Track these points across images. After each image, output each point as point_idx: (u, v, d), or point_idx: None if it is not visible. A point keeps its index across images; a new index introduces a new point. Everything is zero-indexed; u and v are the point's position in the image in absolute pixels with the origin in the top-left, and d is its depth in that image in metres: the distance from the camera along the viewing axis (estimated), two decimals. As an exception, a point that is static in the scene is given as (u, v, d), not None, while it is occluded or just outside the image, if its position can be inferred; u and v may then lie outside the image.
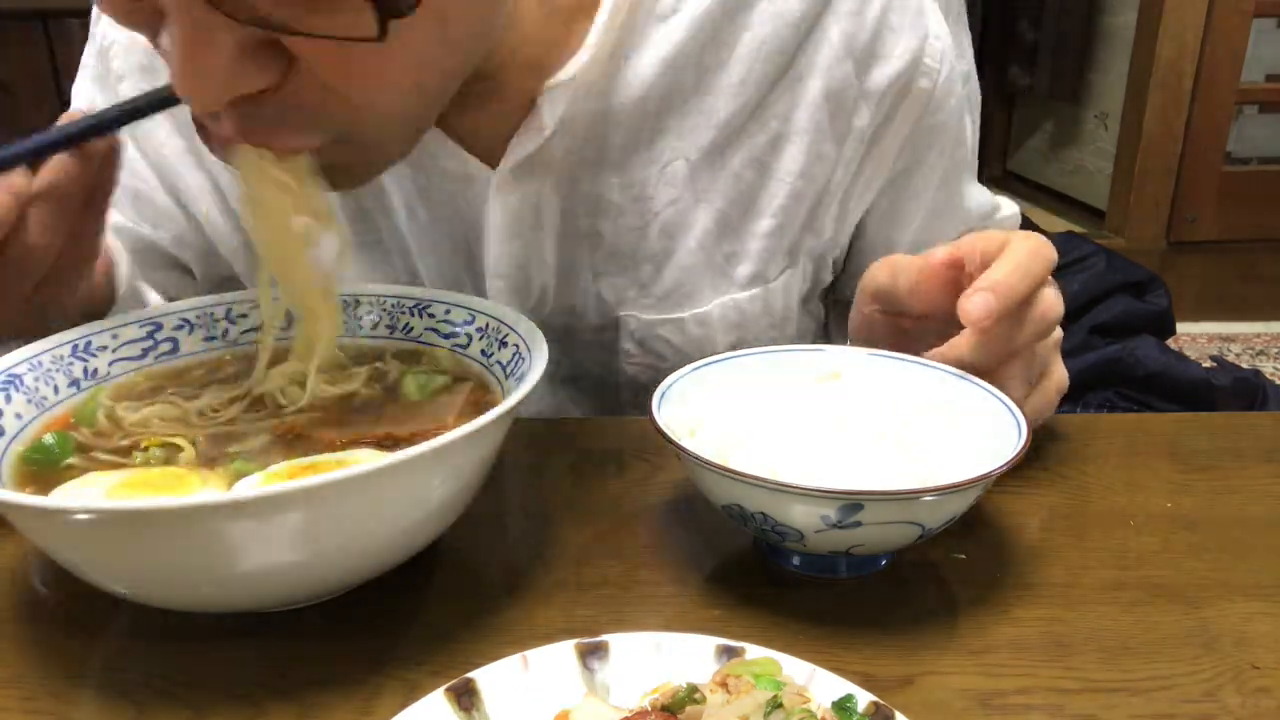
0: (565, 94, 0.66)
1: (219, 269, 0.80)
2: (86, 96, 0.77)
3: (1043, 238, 0.58)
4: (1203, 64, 2.93)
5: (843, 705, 0.40)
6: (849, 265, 0.84)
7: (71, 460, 0.52)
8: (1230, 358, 2.77)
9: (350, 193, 0.70)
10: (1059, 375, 0.63)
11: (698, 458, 0.49)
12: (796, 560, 0.54)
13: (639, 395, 0.78)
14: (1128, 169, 3.11)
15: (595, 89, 0.67)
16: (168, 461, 0.53)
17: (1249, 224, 3.10)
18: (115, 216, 0.77)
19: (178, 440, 0.54)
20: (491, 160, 0.69)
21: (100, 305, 0.66)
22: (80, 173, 0.55)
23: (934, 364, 0.59)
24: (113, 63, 0.75)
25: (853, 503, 0.47)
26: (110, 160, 0.57)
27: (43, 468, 0.52)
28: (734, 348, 0.67)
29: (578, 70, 0.65)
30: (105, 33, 0.76)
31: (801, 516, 0.48)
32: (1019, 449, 0.50)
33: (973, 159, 0.84)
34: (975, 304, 0.54)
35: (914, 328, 0.64)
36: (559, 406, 0.80)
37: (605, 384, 0.79)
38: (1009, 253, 0.56)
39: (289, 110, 0.48)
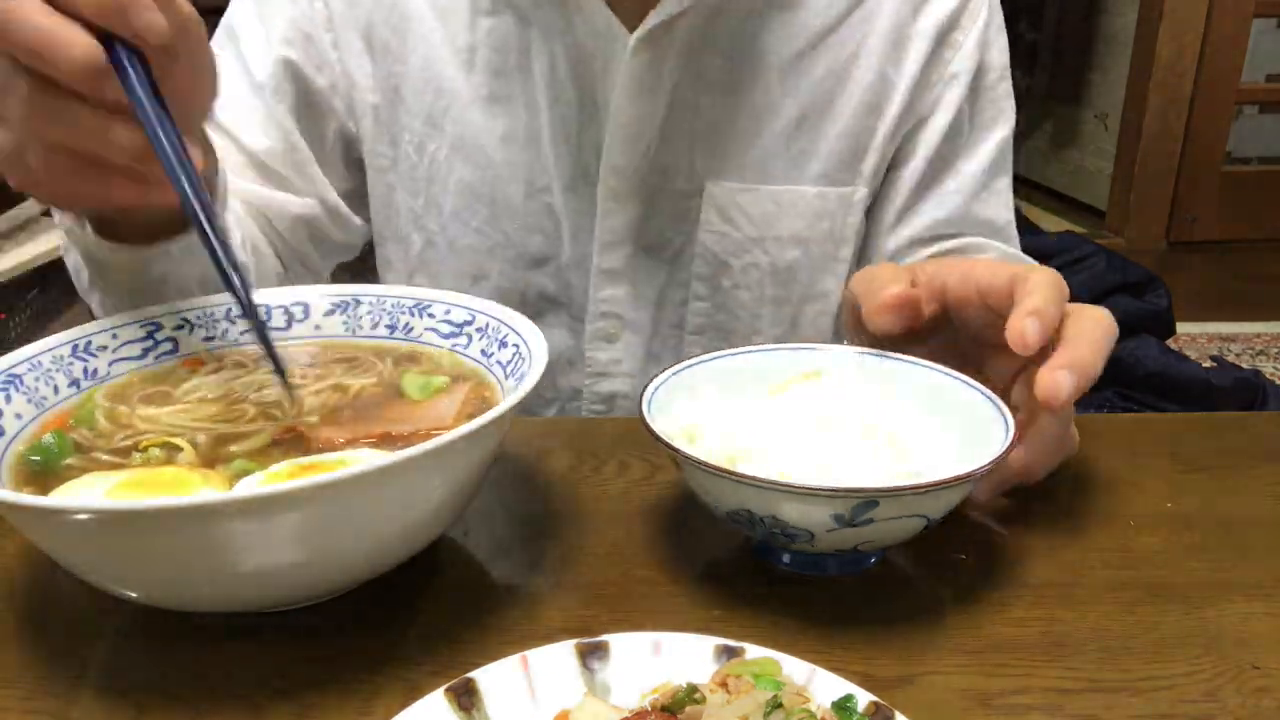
0: None
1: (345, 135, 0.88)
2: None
3: (1062, 281, 0.58)
4: (1203, 64, 2.93)
5: (843, 705, 0.40)
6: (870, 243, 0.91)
7: (70, 460, 0.52)
8: (1230, 358, 2.77)
9: (498, 50, 0.82)
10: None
11: (706, 465, 0.49)
12: (787, 558, 0.55)
13: (708, 269, 0.87)
14: (1128, 169, 3.11)
15: None
16: (167, 462, 0.53)
17: (1249, 224, 3.10)
18: (290, 53, 0.84)
19: (177, 440, 0.54)
20: (630, 24, 0.78)
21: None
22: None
23: (915, 360, 0.59)
24: None
25: (867, 500, 0.47)
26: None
27: (43, 467, 0.52)
28: (796, 236, 0.86)
29: None
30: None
31: (814, 517, 0.48)
32: (1009, 437, 0.51)
33: (1009, 164, 0.91)
34: (1060, 382, 0.53)
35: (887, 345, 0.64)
36: (638, 271, 0.87)
37: (682, 255, 0.87)
38: (1076, 325, 0.56)
39: None
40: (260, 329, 0.55)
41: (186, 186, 0.52)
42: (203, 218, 0.53)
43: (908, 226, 0.88)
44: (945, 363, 0.59)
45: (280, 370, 0.56)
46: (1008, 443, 0.50)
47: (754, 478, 0.47)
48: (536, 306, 0.88)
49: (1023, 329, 0.54)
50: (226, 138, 0.84)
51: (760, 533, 0.51)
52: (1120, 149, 3.16)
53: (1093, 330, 0.56)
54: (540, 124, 0.84)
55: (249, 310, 0.55)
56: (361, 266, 0.99)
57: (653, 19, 0.77)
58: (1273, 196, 3.08)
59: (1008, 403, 0.55)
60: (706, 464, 0.49)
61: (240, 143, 0.84)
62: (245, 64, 0.84)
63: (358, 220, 0.92)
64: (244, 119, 0.84)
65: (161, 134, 0.51)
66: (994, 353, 0.60)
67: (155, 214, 0.62)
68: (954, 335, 0.62)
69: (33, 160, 0.53)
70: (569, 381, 0.92)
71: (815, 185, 0.86)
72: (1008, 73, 0.89)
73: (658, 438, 0.51)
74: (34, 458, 0.52)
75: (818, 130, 0.85)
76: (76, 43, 0.47)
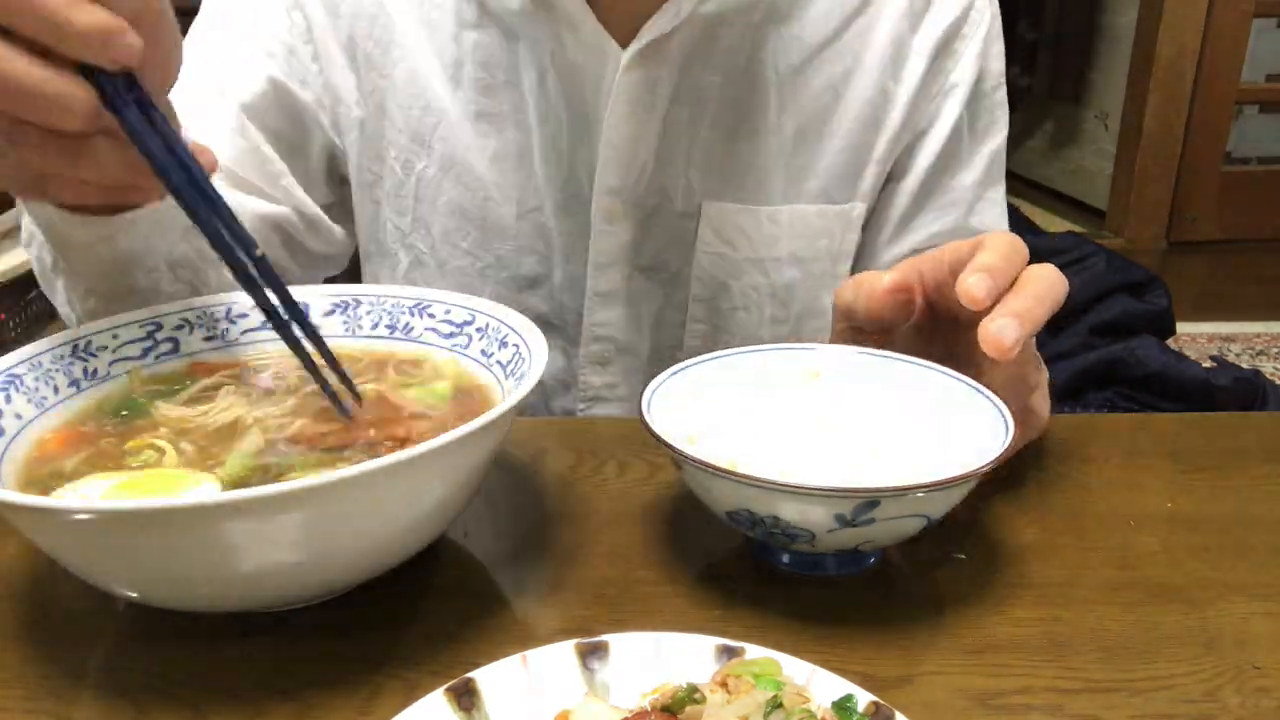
0: None
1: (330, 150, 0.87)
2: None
3: (1020, 242, 0.58)
4: (1203, 64, 2.93)
5: (843, 705, 0.40)
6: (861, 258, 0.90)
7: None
8: (1230, 358, 2.77)
9: (484, 66, 0.80)
10: (1043, 365, 0.64)
11: (707, 465, 0.49)
12: (787, 558, 0.55)
13: (706, 291, 0.86)
14: (1128, 169, 3.11)
15: None
16: (156, 464, 0.53)
17: (1249, 224, 3.10)
18: (275, 71, 0.82)
19: (160, 443, 0.54)
20: (622, 40, 0.77)
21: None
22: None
23: (914, 360, 0.59)
24: None
25: (868, 500, 0.47)
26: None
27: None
28: (795, 256, 0.85)
29: None
30: None
31: (815, 517, 0.48)
32: (1008, 435, 0.51)
33: (1002, 171, 0.91)
34: (1002, 329, 0.52)
35: (877, 343, 0.64)
36: (633, 293, 0.86)
37: (679, 277, 0.86)
38: (1025, 278, 0.56)
39: None
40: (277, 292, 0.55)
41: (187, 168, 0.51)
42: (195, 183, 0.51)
43: (906, 240, 0.87)
44: (937, 359, 0.59)
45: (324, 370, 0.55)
46: (1007, 442, 0.50)
47: (754, 478, 0.47)
48: None
49: (970, 285, 0.53)
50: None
51: (760, 533, 0.51)
52: (1120, 149, 3.16)
53: (1036, 282, 0.55)
54: (531, 143, 0.82)
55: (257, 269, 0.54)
56: (351, 280, 0.98)
57: (646, 35, 0.75)
58: (1273, 196, 3.08)
59: (983, 380, 0.56)
60: (707, 464, 0.49)
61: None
62: (226, 79, 0.82)
63: (338, 231, 0.90)
64: (213, 127, 0.80)
65: (161, 142, 0.50)
66: (972, 330, 0.58)
67: None
68: (940, 328, 0.62)
69: (52, 189, 0.53)
70: (562, 404, 0.90)
71: (814, 203, 0.84)
72: (1004, 80, 0.89)
73: (658, 438, 0.51)
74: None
75: (816, 147, 0.83)
76: (74, 94, 0.46)
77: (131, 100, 0.49)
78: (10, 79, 0.45)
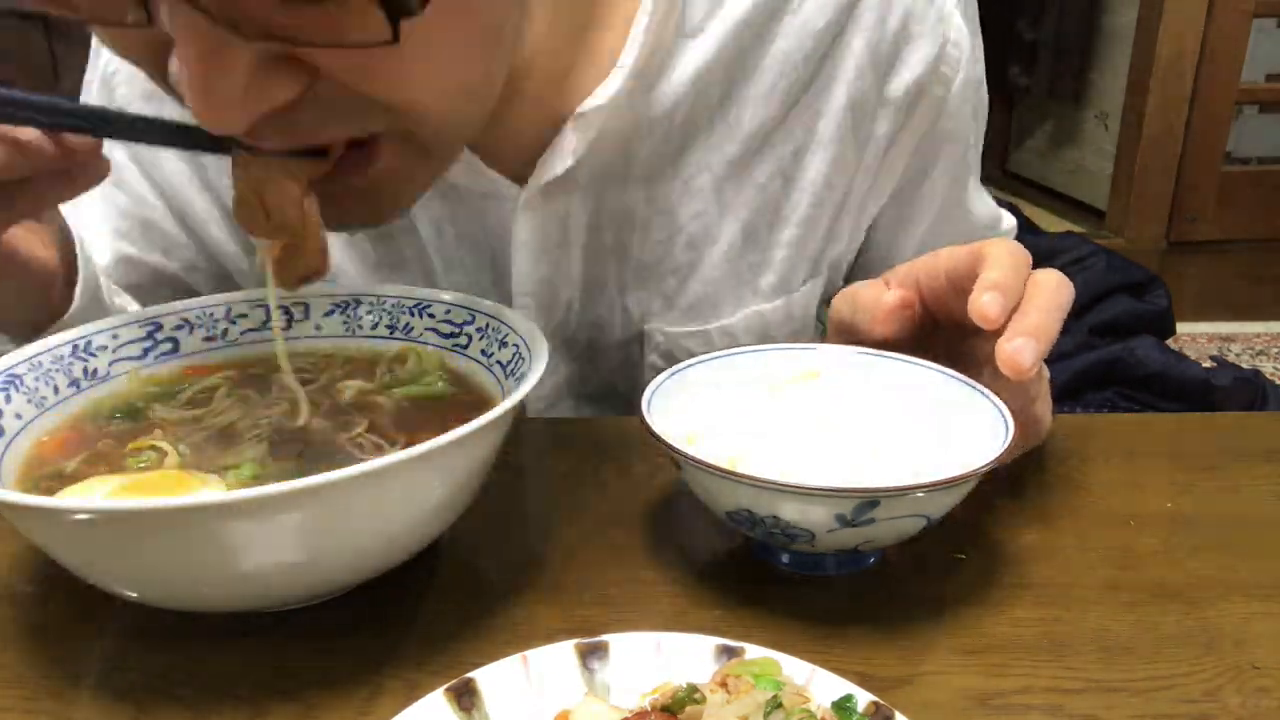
0: (597, 119, 0.66)
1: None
2: None
3: (1022, 250, 0.57)
4: (1203, 64, 2.93)
5: (842, 705, 0.40)
6: (852, 273, 0.85)
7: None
8: (1230, 358, 2.77)
9: None
10: (1046, 370, 0.63)
11: (707, 465, 0.49)
12: (786, 558, 0.55)
13: None
14: (1128, 169, 3.11)
15: (624, 107, 0.67)
16: (156, 465, 0.53)
17: (1249, 224, 3.10)
18: (126, 248, 0.77)
19: (162, 444, 0.54)
20: (518, 177, 0.69)
21: (40, 315, 0.63)
22: (48, 158, 0.50)
23: (914, 360, 0.59)
24: (117, 91, 0.74)
25: (868, 500, 0.47)
26: (87, 164, 0.53)
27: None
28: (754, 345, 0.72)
29: (608, 97, 0.65)
30: (109, 60, 0.75)
31: (816, 517, 0.48)
32: (1008, 435, 0.51)
33: (977, 164, 0.85)
34: (1019, 349, 0.51)
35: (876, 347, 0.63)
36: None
37: (629, 401, 0.77)
38: (1031, 291, 0.55)
39: (325, 110, 0.46)
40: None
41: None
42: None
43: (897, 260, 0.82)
44: (936, 359, 0.59)
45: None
46: (1007, 441, 0.50)
47: (754, 478, 0.47)
48: None
49: (983, 304, 0.52)
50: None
51: (760, 533, 0.51)
52: (1120, 149, 3.16)
53: (1047, 296, 0.54)
54: (441, 288, 0.70)
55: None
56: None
57: (542, 173, 0.67)
58: (1273, 196, 3.08)
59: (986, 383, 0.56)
60: (707, 464, 0.49)
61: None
62: (90, 237, 0.74)
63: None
64: (93, 247, 0.75)
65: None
66: (976, 336, 0.58)
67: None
68: (939, 334, 0.62)
69: None
70: None
71: (770, 301, 0.77)
72: (983, 128, 0.83)
73: (658, 438, 0.51)
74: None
75: (768, 241, 0.75)
76: None
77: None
78: None
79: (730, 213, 0.73)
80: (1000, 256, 0.55)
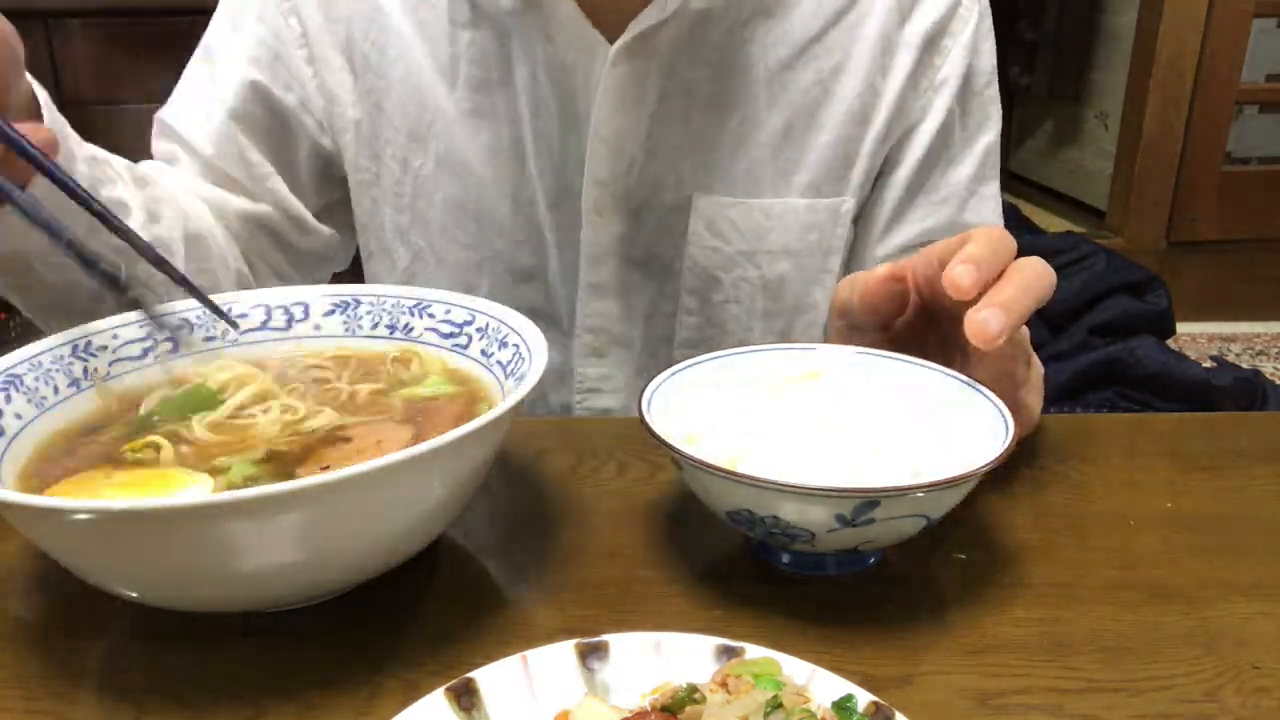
0: None
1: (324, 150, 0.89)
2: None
3: (1007, 235, 0.58)
4: (1203, 64, 2.93)
5: (843, 705, 0.40)
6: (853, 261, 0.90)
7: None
8: (1230, 358, 2.77)
9: (478, 64, 0.82)
10: (1037, 361, 0.64)
11: (707, 465, 0.49)
12: (787, 558, 0.55)
13: (698, 283, 0.87)
14: (1128, 169, 3.11)
15: None
16: (153, 462, 0.53)
17: (1249, 224, 3.10)
18: (255, 73, 0.84)
19: (157, 439, 0.54)
20: (610, 36, 0.78)
21: None
22: None
23: (914, 360, 0.59)
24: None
25: (868, 500, 0.47)
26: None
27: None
28: (786, 249, 0.85)
29: None
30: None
31: (816, 517, 0.48)
32: (1009, 435, 0.51)
33: (996, 168, 0.90)
34: (986, 319, 0.52)
35: (874, 343, 0.64)
36: (626, 285, 0.87)
37: (671, 269, 0.87)
38: (1013, 271, 0.55)
39: None
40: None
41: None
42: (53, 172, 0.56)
43: (897, 234, 0.88)
44: (932, 354, 0.59)
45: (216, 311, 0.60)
46: (1008, 441, 0.50)
47: (754, 478, 0.47)
48: None
49: (955, 274, 0.53)
50: (179, 143, 0.85)
51: (760, 533, 0.51)
52: (1120, 149, 3.16)
53: (1024, 275, 0.55)
54: (524, 137, 0.83)
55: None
56: (354, 280, 0.98)
57: (633, 29, 0.76)
58: (1273, 196, 3.08)
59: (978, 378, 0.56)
60: (707, 465, 0.49)
61: (194, 148, 0.85)
62: (216, 82, 0.85)
63: (327, 232, 0.92)
64: (199, 128, 0.85)
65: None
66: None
67: None
68: (935, 324, 0.62)
69: None
70: (560, 398, 0.91)
71: (804, 197, 0.85)
72: (995, 77, 0.89)
73: (658, 438, 0.51)
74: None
75: (804, 141, 0.84)
76: None
77: None
78: None
79: (775, 107, 0.83)
80: (981, 235, 0.56)
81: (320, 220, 0.92)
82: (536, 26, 0.79)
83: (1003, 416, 0.53)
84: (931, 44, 0.84)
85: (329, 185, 0.91)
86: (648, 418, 0.53)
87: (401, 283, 0.89)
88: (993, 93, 0.89)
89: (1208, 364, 2.06)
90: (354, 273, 0.97)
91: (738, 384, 0.60)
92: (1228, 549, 0.56)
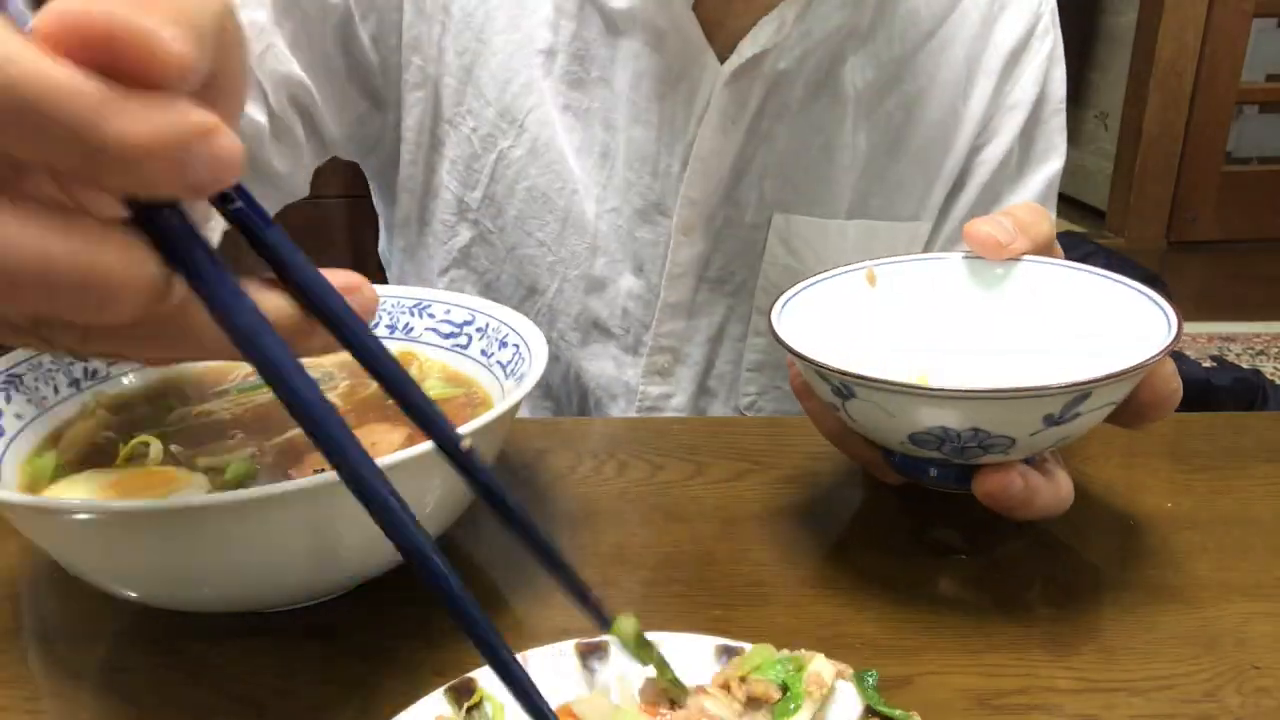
0: (796, 6, 0.75)
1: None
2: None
3: (1043, 210, 0.60)
4: (1203, 64, 2.93)
5: (861, 677, 0.40)
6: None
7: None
8: (1230, 358, 2.77)
9: (578, 59, 0.79)
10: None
11: (910, 387, 0.46)
12: (934, 472, 0.53)
13: (771, 303, 0.82)
14: (1128, 169, 3.11)
15: (805, 10, 0.77)
16: (144, 460, 0.53)
17: (1249, 224, 3.10)
18: None
19: (146, 438, 0.54)
20: (719, 52, 0.77)
21: None
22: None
23: (1046, 260, 0.59)
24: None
25: (1080, 394, 0.45)
26: None
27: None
28: None
29: None
30: None
31: (1022, 420, 0.47)
32: (1172, 329, 0.51)
33: (1054, 198, 0.92)
34: (984, 224, 0.55)
35: None
36: (698, 305, 0.85)
37: (744, 288, 0.85)
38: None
39: None
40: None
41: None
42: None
43: None
44: None
45: None
46: (1173, 332, 0.50)
47: (964, 390, 0.46)
48: (585, 332, 0.84)
49: (979, 225, 0.55)
50: None
51: (949, 449, 0.49)
52: (1120, 149, 3.16)
53: (1047, 227, 0.57)
54: (617, 143, 0.80)
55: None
56: (358, 248, 0.94)
57: (747, 50, 0.75)
58: (1273, 196, 3.08)
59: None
60: (909, 386, 0.47)
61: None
62: None
63: (306, 159, 0.82)
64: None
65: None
66: None
67: None
68: None
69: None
70: (618, 414, 0.87)
71: (881, 219, 0.84)
72: (1064, 106, 0.88)
73: (828, 370, 0.48)
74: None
75: (887, 163, 0.83)
76: (121, 273, 0.27)
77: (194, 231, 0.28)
78: (10, 266, 0.25)
79: (861, 130, 0.82)
80: (1018, 206, 0.58)
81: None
82: (651, 30, 0.76)
83: (1156, 305, 0.53)
84: (1008, 68, 0.84)
85: (357, 125, 0.83)
86: (804, 353, 0.50)
87: (453, 261, 0.86)
88: (1060, 122, 0.88)
89: (1208, 364, 2.05)
90: (357, 249, 0.91)
91: (853, 306, 0.59)
92: (1228, 549, 0.56)
